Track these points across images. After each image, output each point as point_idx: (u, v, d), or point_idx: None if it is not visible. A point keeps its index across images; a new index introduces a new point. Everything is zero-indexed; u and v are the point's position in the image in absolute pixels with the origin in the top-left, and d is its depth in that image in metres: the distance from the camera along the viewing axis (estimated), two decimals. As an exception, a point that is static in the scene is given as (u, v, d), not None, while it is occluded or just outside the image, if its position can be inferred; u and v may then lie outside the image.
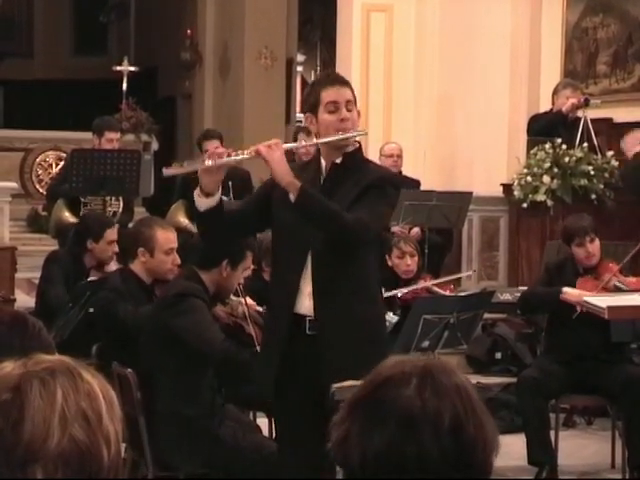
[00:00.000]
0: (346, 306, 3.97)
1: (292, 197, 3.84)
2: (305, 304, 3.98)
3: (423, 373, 1.74)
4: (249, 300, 5.43)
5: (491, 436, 1.71)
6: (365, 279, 4.08)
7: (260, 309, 5.36)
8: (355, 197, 3.95)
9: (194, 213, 4.14)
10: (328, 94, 3.99)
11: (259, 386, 4.35)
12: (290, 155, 9.41)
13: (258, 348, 4.84)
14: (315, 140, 4.04)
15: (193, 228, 6.87)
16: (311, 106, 4.04)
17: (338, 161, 4.03)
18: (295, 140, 9.21)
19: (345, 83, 4.08)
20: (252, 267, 5.66)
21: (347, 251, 3.98)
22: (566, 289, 5.93)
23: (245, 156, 3.91)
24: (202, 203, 3.96)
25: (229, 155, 3.91)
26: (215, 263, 4.66)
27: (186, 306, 4.53)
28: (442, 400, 1.70)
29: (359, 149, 4.13)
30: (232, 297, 5.07)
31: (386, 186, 4.04)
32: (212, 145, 8.50)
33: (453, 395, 1.70)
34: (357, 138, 4.13)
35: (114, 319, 5.11)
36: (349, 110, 3.99)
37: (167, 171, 4.03)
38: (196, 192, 3.98)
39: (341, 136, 3.96)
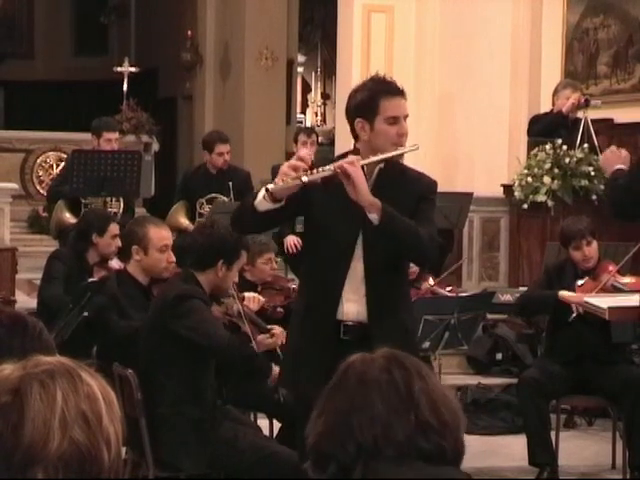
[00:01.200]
0: (400, 319, 3.98)
1: (374, 218, 3.77)
2: (342, 309, 3.96)
3: (388, 355, 1.94)
4: (256, 295, 5.44)
5: (450, 419, 1.88)
6: (406, 287, 4.11)
7: (259, 297, 5.37)
8: (410, 207, 3.92)
9: (247, 209, 3.94)
10: (391, 106, 3.90)
11: (287, 387, 4.33)
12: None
13: (254, 345, 4.85)
14: (379, 156, 3.88)
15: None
16: (367, 112, 3.92)
17: (382, 166, 3.97)
18: (295, 141, 9.21)
19: (404, 95, 3.98)
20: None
21: (396, 259, 3.98)
22: (562, 292, 5.95)
23: (328, 172, 3.77)
24: (265, 205, 3.84)
25: (315, 172, 3.77)
26: (211, 264, 4.66)
27: (188, 307, 4.53)
28: (408, 372, 1.90)
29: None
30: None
31: (435, 197, 4.06)
32: (225, 148, 8.52)
33: (415, 374, 1.90)
34: None
35: (105, 327, 5.14)
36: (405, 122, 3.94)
37: (273, 188, 3.79)
38: (262, 194, 3.83)
39: (399, 151, 3.91)
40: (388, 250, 3.91)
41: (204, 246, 4.65)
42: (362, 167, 3.80)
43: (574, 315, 5.91)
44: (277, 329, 5.00)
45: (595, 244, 6.06)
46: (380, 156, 3.88)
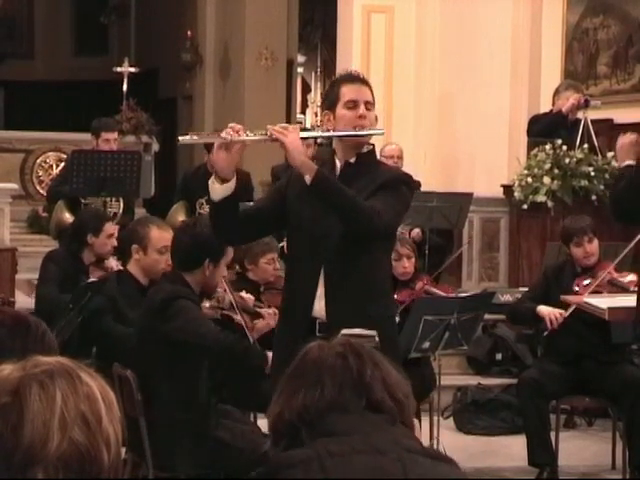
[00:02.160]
0: (358, 306, 3.95)
1: (307, 179, 3.83)
2: (316, 306, 3.97)
3: (344, 342, 2.11)
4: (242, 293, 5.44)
5: (403, 399, 2.08)
6: (376, 278, 4.08)
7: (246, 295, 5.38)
8: (369, 194, 3.94)
9: (209, 204, 4.08)
10: (348, 90, 4.01)
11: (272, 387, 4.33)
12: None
13: (249, 334, 4.84)
14: (332, 132, 4.03)
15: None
16: (330, 103, 4.05)
17: (352, 160, 4.04)
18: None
19: (366, 83, 4.08)
20: (236, 270, 5.68)
21: (359, 248, 3.96)
22: (540, 307, 5.98)
23: (260, 137, 3.89)
24: (217, 191, 3.94)
25: (246, 134, 3.88)
26: (197, 264, 4.64)
27: (176, 309, 4.52)
28: (362, 360, 2.06)
29: (373, 151, 4.13)
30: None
31: (400, 186, 4.05)
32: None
33: (368, 361, 2.07)
34: (372, 140, 4.12)
35: (98, 328, 5.14)
36: (368, 110, 4.00)
37: (183, 139, 3.96)
38: (211, 180, 3.96)
39: (358, 132, 3.97)
40: (346, 233, 3.92)
41: (189, 246, 4.63)
42: (315, 142, 3.95)
43: (546, 332, 5.99)
44: (266, 310, 5.02)
45: (596, 242, 6.07)
46: (331, 132, 4.01)
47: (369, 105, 4.01)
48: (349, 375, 2.04)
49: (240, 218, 4.04)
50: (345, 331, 2.67)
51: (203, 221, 4.89)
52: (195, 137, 3.95)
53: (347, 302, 3.95)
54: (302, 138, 3.95)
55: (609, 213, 5.57)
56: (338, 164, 4.07)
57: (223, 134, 3.84)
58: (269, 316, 4.99)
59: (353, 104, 3.98)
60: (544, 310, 5.98)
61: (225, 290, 4.97)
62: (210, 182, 3.98)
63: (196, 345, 4.50)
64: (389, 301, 4.23)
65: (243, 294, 5.43)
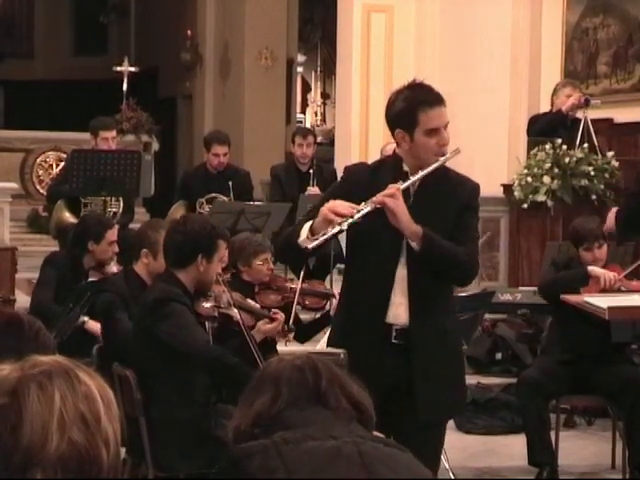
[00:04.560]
0: (439, 322, 3.93)
1: (415, 246, 3.75)
2: (392, 312, 3.90)
3: (304, 358, 2.18)
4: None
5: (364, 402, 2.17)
6: (451, 295, 4.10)
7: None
8: (454, 220, 3.88)
9: (292, 247, 3.85)
10: (429, 119, 3.80)
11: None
12: (292, 163, 9.37)
13: (247, 333, 4.83)
14: (421, 173, 3.80)
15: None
16: (405, 124, 3.83)
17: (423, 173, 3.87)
18: (293, 141, 9.17)
19: (442, 102, 3.87)
20: (232, 271, 5.67)
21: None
22: (591, 267, 5.93)
23: (369, 209, 3.70)
24: (308, 243, 3.76)
25: (352, 213, 3.68)
26: (190, 260, 4.63)
27: (167, 311, 4.51)
28: (319, 373, 2.14)
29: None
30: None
31: (477, 202, 3.98)
32: (221, 150, 8.51)
33: (325, 375, 2.14)
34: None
35: (111, 324, 5.14)
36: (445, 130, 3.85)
37: (312, 244, 3.71)
38: (306, 234, 3.76)
39: (441, 161, 3.81)
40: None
41: (181, 243, 4.61)
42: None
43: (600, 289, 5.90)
44: (279, 314, 4.99)
45: (605, 247, 6.04)
46: (421, 173, 3.80)
47: (447, 126, 3.85)
48: (304, 386, 2.12)
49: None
50: (311, 349, 2.69)
51: (192, 218, 4.88)
52: (321, 238, 3.68)
53: (430, 316, 3.90)
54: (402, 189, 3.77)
55: (619, 230, 5.58)
56: (407, 170, 3.87)
57: (344, 225, 3.64)
58: (279, 319, 4.95)
59: (434, 131, 3.80)
60: (598, 270, 5.93)
61: (223, 290, 4.96)
62: (304, 235, 3.77)
63: (182, 352, 4.50)
64: (457, 319, 4.28)
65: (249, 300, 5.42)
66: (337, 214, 3.68)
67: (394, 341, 3.88)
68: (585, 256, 6.04)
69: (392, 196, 3.70)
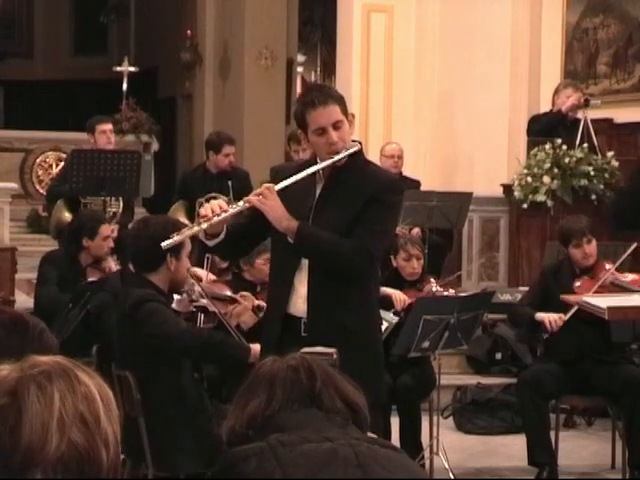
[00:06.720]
0: (337, 317, 3.92)
1: (290, 240, 3.85)
2: (299, 305, 3.95)
3: (299, 359, 2.20)
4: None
5: (359, 402, 2.18)
6: (358, 292, 4.01)
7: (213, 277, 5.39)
8: (356, 213, 3.89)
9: (203, 246, 4.10)
10: (313, 119, 3.89)
11: None
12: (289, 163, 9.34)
13: (225, 321, 4.84)
14: (312, 169, 3.92)
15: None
16: (301, 125, 3.97)
17: (339, 163, 3.94)
18: (289, 145, 9.16)
19: (328, 101, 3.90)
20: (234, 270, 5.69)
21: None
22: (538, 314, 5.96)
23: (238, 209, 3.84)
24: (210, 242, 3.96)
25: (222, 211, 3.81)
26: (160, 262, 4.63)
27: (144, 313, 4.51)
28: (314, 375, 2.15)
29: (359, 151, 3.99)
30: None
31: (388, 197, 3.95)
32: (232, 150, 8.51)
33: (319, 377, 2.15)
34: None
35: (104, 323, 5.14)
36: (337, 129, 3.88)
37: (167, 243, 3.90)
38: (201, 235, 3.92)
39: (335, 159, 3.89)
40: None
41: (148, 247, 4.57)
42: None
43: (546, 335, 5.99)
44: (243, 293, 5.02)
45: (594, 242, 6.07)
46: (311, 169, 3.92)
47: (338, 123, 3.88)
48: (299, 387, 2.13)
49: (232, 240, 3.99)
50: (306, 349, 2.69)
51: (152, 220, 4.85)
52: (177, 237, 3.90)
53: (326, 310, 3.92)
54: (280, 190, 3.88)
55: (611, 224, 5.60)
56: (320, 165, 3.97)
57: (202, 225, 3.79)
58: (247, 298, 5.01)
59: (322, 131, 3.88)
60: (542, 315, 5.96)
61: (193, 283, 4.99)
62: (201, 236, 3.95)
63: (172, 349, 4.51)
64: (371, 315, 4.10)
65: (215, 283, 5.47)
66: (206, 218, 3.81)
67: (303, 334, 3.92)
68: (575, 254, 6.05)
69: (261, 195, 3.83)
